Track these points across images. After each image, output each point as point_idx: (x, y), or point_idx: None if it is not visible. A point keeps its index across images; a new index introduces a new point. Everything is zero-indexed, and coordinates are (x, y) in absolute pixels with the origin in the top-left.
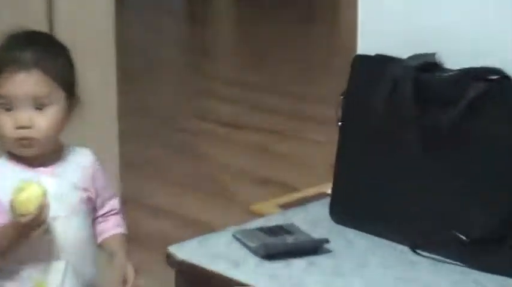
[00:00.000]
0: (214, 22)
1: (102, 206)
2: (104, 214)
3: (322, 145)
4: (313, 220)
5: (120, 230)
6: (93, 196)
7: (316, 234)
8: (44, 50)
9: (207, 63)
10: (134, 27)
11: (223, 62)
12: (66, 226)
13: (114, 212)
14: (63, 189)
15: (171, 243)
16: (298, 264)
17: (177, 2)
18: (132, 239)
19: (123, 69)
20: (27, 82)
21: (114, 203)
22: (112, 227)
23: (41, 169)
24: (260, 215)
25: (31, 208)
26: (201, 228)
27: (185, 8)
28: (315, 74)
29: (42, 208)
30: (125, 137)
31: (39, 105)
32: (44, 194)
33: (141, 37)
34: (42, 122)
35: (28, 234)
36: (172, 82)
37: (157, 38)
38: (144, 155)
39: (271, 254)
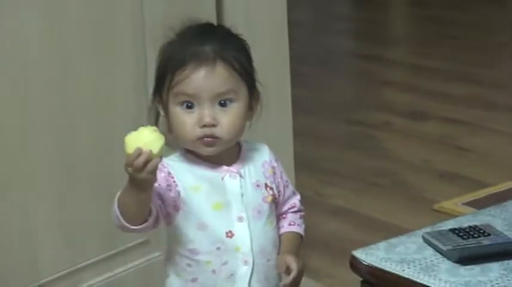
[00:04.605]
0: (386, 5)
1: (283, 204)
2: (283, 212)
3: (509, 136)
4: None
5: (294, 229)
6: (275, 193)
7: None
8: (224, 43)
9: (382, 50)
10: (303, 13)
11: (399, 48)
12: (251, 228)
13: (293, 210)
14: (247, 189)
15: (353, 245)
16: (496, 269)
17: None
18: (311, 241)
19: (293, 59)
20: (210, 77)
21: (294, 201)
22: (286, 225)
23: (224, 167)
24: (444, 213)
25: (130, 148)
26: (383, 228)
27: None
28: (495, 57)
29: (140, 150)
30: (297, 131)
31: (223, 102)
32: (154, 138)
33: (310, 24)
34: (226, 119)
35: (134, 176)
36: (346, 71)
37: (327, 24)
38: (319, 151)
39: (466, 259)
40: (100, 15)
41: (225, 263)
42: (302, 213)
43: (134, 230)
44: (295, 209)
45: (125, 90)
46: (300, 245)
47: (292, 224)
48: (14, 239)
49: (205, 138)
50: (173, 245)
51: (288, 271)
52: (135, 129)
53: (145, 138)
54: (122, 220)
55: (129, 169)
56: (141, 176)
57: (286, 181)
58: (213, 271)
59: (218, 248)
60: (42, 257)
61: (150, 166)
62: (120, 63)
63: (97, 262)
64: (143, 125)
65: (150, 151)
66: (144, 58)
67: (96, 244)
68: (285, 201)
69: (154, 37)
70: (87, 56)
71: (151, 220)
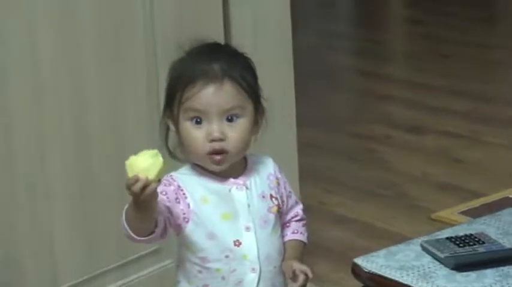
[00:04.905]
0: (386, 24)
1: (286, 213)
2: (287, 221)
3: (506, 149)
4: (505, 228)
5: (297, 236)
6: (280, 203)
7: (510, 243)
8: (231, 61)
9: (383, 66)
10: (307, 33)
11: (399, 64)
12: (258, 236)
13: (296, 219)
14: (253, 200)
15: (355, 252)
16: (491, 275)
17: (347, 6)
18: (314, 248)
19: (297, 76)
20: (218, 94)
21: (297, 210)
22: (290, 233)
23: (231, 180)
24: (441, 222)
25: (129, 173)
26: (384, 236)
27: (355, 11)
28: (490, 74)
29: (137, 176)
30: (301, 143)
31: (231, 118)
32: (151, 164)
33: (314, 43)
34: (234, 134)
35: (134, 199)
36: (348, 87)
37: (329, 43)
38: (322, 162)
39: (462, 265)
40: (112, 33)
41: (234, 270)
42: (304, 221)
43: (141, 240)
44: (298, 217)
45: (138, 105)
46: (304, 252)
47: (295, 232)
48: (32, 247)
49: (215, 156)
50: (184, 253)
51: (294, 277)
52: (148, 140)
53: (142, 164)
54: (129, 231)
55: (128, 192)
56: (140, 199)
57: (290, 191)
58: (223, 278)
59: (227, 257)
60: (60, 265)
61: (147, 190)
62: (132, 79)
63: (112, 269)
64: (149, 147)
65: (146, 177)
66: (155, 74)
67: (111, 252)
68: (289, 210)
69: (165, 54)
70: (100, 72)
71: (158, 231)
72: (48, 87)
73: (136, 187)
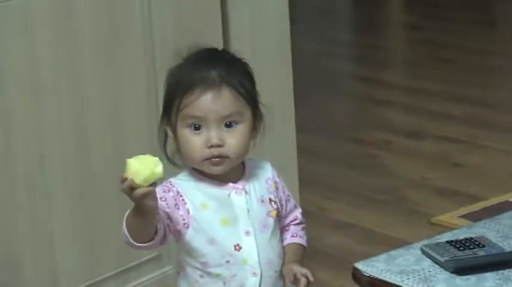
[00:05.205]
0: (385, 31)
1: (285, 217)
2: (286, 225)
3: (505, 154)
4: (505, 231)
5: (296, 240)
6: (279, 207)
7: (510, 247)
8: (229, 68)
9: (382, 72)
10: (307, 39)
11: (398, 70)
12: (258, 241)
13: (295, 222)
14: (253, 204)
15: (355, 258)
16: (492, 278)
17: (346, 12)
18: (314, 254)
19: (297, 82)
20: (217, 101)
21: (296, 214)
22: (289, 237)
23: (230, 184)
24: (441, 226)
25: (127, 172)
26: (383, 241)
27: (355, 17)
28: (489, 79)
29: (128, 178)
30: (301, 149)
31: (229, 124)
32: (140, 169)
33: (313, 49)
34: (232, 140)
35: (132, 200)
36: (347, 93)
37: (329, 49)
38: (322, 168)
39: (462, 269)
40: (110, 34)
41: (234, 275)
42: (304, 225)
43: (141, 247)
44: (297, 221)
45: (137, 105)
46: (303, 255)
47: (294, 236)
48: (32, 247)
49: (213, 159)
50: (185, 259)
51: (296, 280)
52: (147, 140)
53: (132, 168)
54: (129, 238)
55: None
56: (133, 200)
57: (288, 195)
58: (224, 283)
59: (227, 261)
60: (60, 265)
61: (135, 193)
62: (131, 79)
63: (112, 275)
64: (151, 147)
65: (132, 180)
66: (154, 74)
67: (112, 258)
68: (287, 214)
69: (163, 54)
70: (99, 72)
71: (157, 238)
72: (47, 88)
73: (123, 186)
